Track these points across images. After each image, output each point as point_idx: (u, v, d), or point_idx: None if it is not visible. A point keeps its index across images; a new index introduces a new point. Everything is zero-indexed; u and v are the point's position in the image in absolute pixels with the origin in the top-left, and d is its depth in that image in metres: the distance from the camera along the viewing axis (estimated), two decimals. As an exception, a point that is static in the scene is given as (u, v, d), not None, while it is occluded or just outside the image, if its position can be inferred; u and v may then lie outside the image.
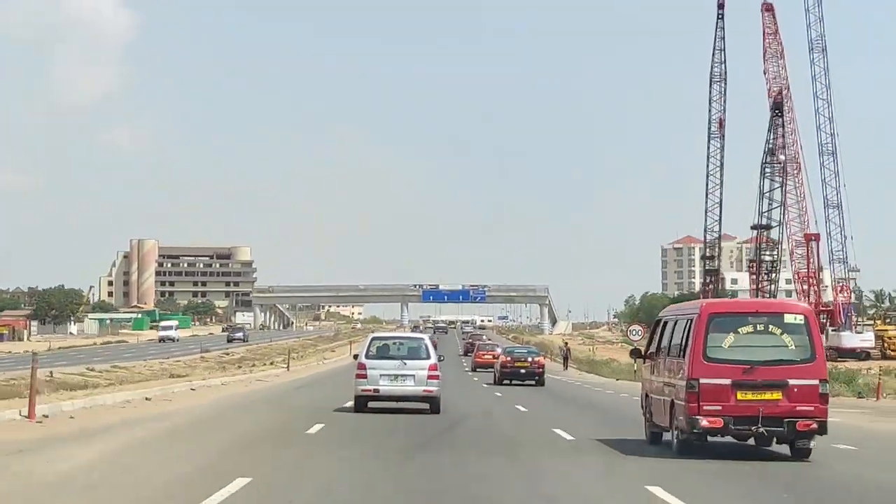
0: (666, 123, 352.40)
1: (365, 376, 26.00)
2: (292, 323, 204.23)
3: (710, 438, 17.38)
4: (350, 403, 26.77)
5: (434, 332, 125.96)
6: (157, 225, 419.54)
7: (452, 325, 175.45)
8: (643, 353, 20.62)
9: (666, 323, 19.51)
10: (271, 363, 55.69)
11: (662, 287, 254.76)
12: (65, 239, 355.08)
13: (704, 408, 16.83)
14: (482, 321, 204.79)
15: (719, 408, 16.84)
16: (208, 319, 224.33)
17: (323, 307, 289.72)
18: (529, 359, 49.33)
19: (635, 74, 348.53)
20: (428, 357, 26.47)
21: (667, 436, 18.69)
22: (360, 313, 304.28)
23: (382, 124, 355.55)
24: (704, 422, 16.83)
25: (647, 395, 20.19)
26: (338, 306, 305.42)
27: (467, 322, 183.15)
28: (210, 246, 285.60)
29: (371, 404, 26.35)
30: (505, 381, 47.68)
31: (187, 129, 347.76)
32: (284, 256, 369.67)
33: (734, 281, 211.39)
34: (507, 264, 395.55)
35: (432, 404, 26.20)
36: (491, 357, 61.83)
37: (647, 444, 19.60)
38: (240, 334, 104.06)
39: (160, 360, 59.84)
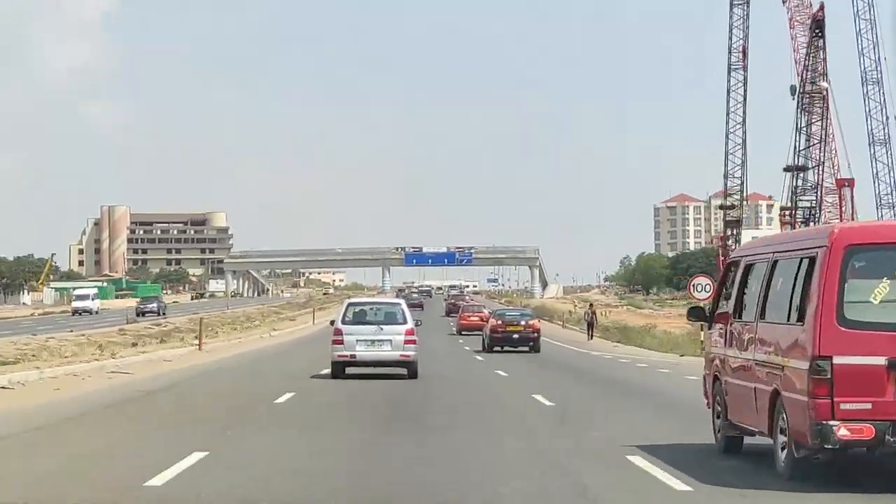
0: (654, 79, 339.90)
1: (342, 342, 26.12)
2: (268, 290, 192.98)
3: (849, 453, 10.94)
4: (327, 371, 26.59)
5: (419, 298, 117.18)
6: (130, 192, 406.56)
7: (439, 290, 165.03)
8: (710, 313, 14.16)
9: (752, 267, 13.05)
10: (195, 338, 42.73)
11: (655, 248, 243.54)
12: (38, 208, 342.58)
13: (843, 406, 10.58)
14: (469, 286, 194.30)
15: (868, 406, 10.55)
16: (181, 288, 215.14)
17: (303, 274, 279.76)
18: (523, 322, 44.07)
19: (628, 30, 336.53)
20: (404, 322, 26.63)
21: (752, 441, 12.96)
22: (341, 280, 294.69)
23: (360, 84, 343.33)
24: (843, 430, 10.51)
25: (716, 378, 13.77)
26: (319, 273, 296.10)
27: (454, 287, 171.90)
28: (184, 212, 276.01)
29: (348, 370, 26.42)
30: (496, 348, 42.80)
31: (161, 98, 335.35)
32: (262, 223, 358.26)
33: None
34: (492, 228, 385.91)
35: (409, 369, 26.33)
36: (478, 319, 57.73)
37: (718, 453, 13.44)
38: (152, 305, 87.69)
39: (79, 332, 48.57)
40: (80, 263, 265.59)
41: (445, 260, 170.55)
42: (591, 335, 58.68)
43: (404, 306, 27.96)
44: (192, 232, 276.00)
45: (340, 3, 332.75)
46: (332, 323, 27.32)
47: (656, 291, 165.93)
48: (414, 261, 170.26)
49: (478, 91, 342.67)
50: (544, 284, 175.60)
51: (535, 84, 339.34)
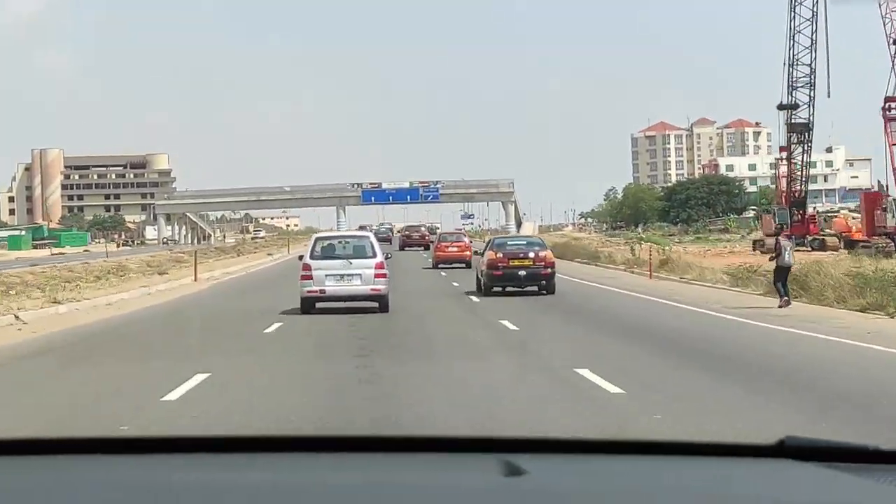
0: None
1: (311, 277, 26.06)
2: (209, 236, 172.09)
3: None
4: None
5: (386, 233, 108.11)
6: (63, 133, 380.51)
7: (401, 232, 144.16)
8: None
9: None
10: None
11: (634, 181, 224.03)
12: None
13: None
14: (437, 227, 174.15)
15: None
16: (116, 235, 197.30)
17: (254, 220, 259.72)
18: (531, 254, 33.58)
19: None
20: (374, 255, 26.45)
21: None
22: (296, 225, 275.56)
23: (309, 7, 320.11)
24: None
25: None
26: (272, 219, 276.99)
27: (412, 226, 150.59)
28: (122, 154, 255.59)
29: (318, 305, 25.94)
30: (496, 288, 33.11)
31: (98, 36, 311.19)
32: (207, 164, 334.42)
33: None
34: (449, 163, 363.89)
35: (381, 303, 26.09)
36: (457, 250, 53.37)
37: None
38: None
39: None
40: (12, 213, 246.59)
41: (408, 197, 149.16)
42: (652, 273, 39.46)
43: (373, 239, 27.83)
44: (132, 175, 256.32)
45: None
46: (301, 258, 27.13)
47: (645, 227, 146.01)
48: (372, 198, 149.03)
49: (439, 12, 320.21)
50: (518, 223, 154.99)
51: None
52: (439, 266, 52.46)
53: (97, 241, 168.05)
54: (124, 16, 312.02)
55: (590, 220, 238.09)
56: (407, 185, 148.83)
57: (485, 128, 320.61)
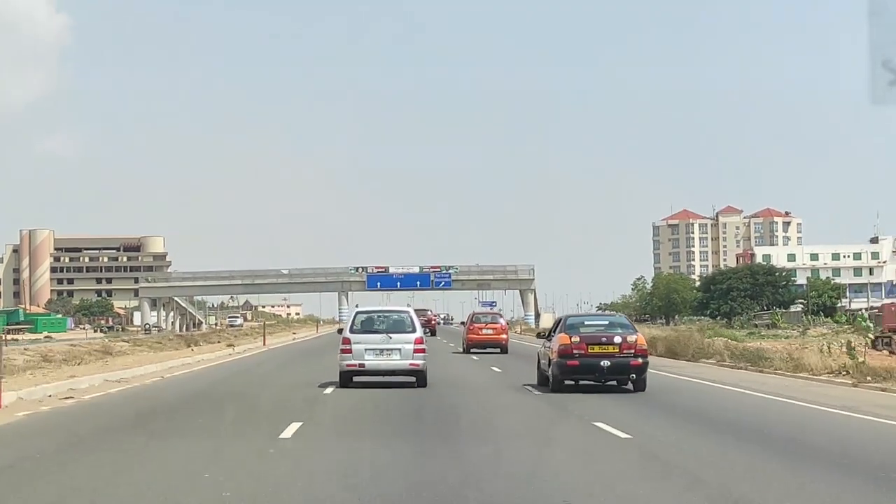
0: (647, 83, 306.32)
1: (350, 351, 26.00)
2: (200, 323, 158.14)
3: None
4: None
5: None
6: (54, 213, 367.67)
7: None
8: None
9: None
10: None
11: (655, 272, 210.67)
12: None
13: None
14: (452, 318, 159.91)
15: None
16: (103, 321, 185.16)
17: (254, 307, 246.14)
18: (617, 338, 25.53)
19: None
20: (413, 330, 26.32)
21: None
22: (297, 313, 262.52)
23: (309, 79, 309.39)
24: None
25: None
26: (273, 306, 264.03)
27: (421, 310, 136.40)
28: (116, 236, 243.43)
29: (356, 379, 26.13)
30: (568, 382, 25.90)
31: (95, 120, 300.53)
32: (205, 248, 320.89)
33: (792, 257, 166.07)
34: (458, 250, 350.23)
35: (419, 378, 26.07)
36: (492, 333, 48.75)
37: None
38: None
39: None
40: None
41: (418, 282, 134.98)
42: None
43: (412, 313, 27.35)
44: (125, 259, 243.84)
45: (277, 26, 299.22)
46: (341, 331, 27.31)
47: (678, 319, 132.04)
48: (378, 284, 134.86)
49: (456, 95, 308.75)
50: (537, 315, 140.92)
51: (514, 92, 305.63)
52: (471, 350, 48.65)
53: (81, 326, 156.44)
54: (126, 94, 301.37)
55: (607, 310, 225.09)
56: (417, 269, 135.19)
57: (488, 211, 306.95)
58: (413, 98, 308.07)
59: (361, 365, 25.68)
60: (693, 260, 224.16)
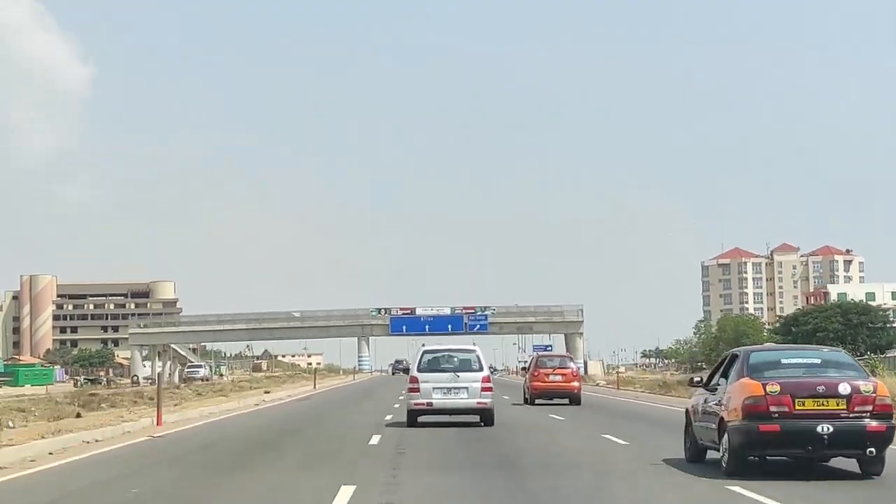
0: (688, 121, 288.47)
1: (418, 390, 26.22)
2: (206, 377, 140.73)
3: None
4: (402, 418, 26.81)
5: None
6: (56, 258, 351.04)
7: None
8: None
9: None
10: None
11: (705, 315, 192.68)
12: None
13: None
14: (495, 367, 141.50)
15: None
16: (102, 373, 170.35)
17: (273, 356, 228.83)
18: (843, 387, 16.30)
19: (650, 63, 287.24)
20: (480, 369, 26.56)
21: None
22: (318, 363, 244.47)
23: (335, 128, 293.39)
24: None
25: None
26: (293, 356, 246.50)
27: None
28: (123, 282, 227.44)
29: (422, 418, 26.34)
30: (752, 458, 16.93)
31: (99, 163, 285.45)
32: (218, 294, 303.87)
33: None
34: (491, 289, 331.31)
35: (485, 417, 26.30)
36: (561, 379, 43.38)
37: None
38: None
39: None
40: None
41: (449, 325, 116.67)
42: None
43: (479, 352, 27.59)
44: (133, 305, 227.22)
45: (299, 56, 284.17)
46: (407, 371, 26.80)
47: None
48: (403, 327, 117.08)
49: (485, 123, 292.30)
50: (584, 362, 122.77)
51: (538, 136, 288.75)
52: (536, 401, 43.24)
53: (75, 378, 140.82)
54: (134, 138, 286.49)
55: (654, 359, 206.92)
56: (448, 310, 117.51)
57: (522, 246, 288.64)
58: (443, 121, 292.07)
59: (430, 403, 26.01)
60: (746, 302, 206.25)
